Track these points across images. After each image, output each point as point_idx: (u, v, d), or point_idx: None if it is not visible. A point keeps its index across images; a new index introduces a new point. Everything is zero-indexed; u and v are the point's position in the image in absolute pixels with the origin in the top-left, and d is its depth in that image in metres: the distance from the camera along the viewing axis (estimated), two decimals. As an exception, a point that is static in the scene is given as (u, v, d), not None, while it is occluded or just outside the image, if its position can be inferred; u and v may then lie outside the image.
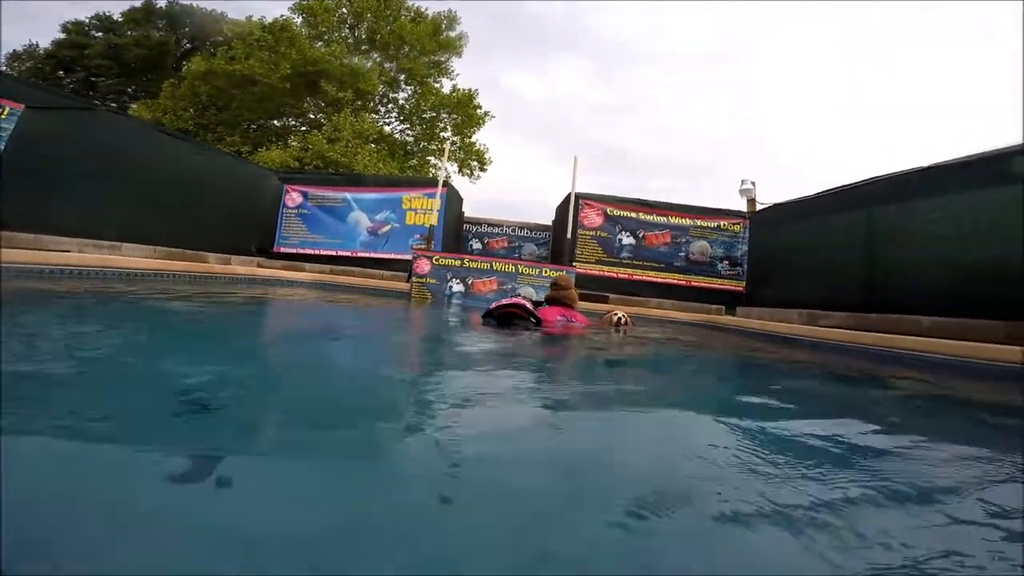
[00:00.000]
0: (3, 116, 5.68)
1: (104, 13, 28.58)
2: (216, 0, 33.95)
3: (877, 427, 1.70)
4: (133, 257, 6.05)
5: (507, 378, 2.07)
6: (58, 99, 6.71)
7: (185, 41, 29.25)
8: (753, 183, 9.85)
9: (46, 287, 3.79)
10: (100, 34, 28.22)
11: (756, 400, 2.26)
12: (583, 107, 75.31)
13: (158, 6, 28.93)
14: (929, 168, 5.55)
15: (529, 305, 4.02)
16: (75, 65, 26.80)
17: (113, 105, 22.60)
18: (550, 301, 4.64)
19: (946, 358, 3.82)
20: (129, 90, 25.70)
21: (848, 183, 6.71)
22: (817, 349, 4.98)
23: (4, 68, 25.48)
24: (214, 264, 7.42)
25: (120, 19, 28.61)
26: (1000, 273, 4.51)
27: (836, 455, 1.32)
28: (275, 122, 19.25)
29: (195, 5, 28.90)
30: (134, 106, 20.45)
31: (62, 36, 27.78)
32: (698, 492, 1.00)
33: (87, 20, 28.51)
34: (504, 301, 4.27)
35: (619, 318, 4.85)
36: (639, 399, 2.03)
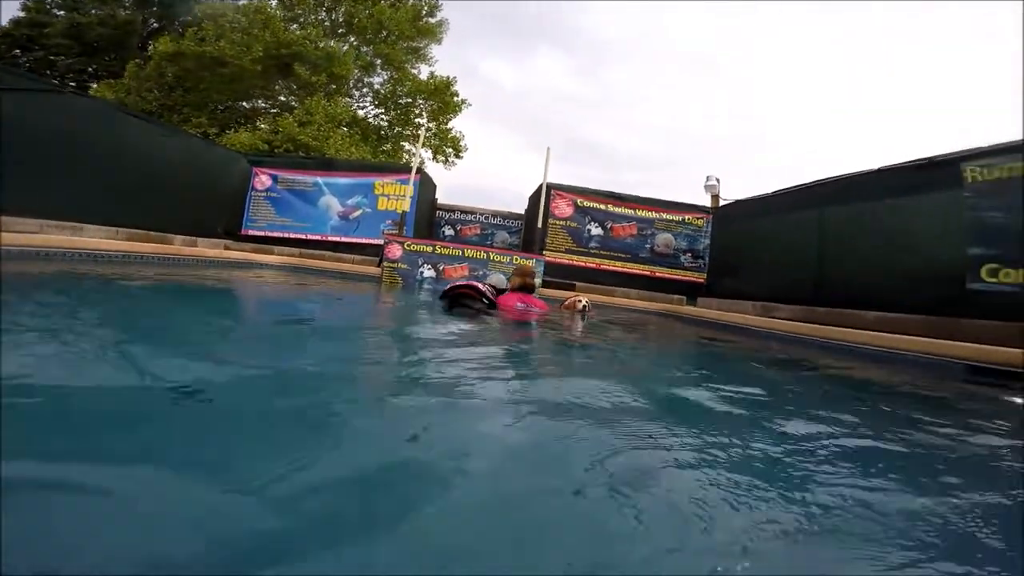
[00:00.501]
0: (-38, 94, 5.51)
1: (67, -9, 27.49)
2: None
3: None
4: (98, 239, 5.99)
5: (474, 358, 2.21)
6: (21, 80, 6.53)
7: (152, 20, 28.32)
8: (718, 179, 10.18)
9: (12, 268, 3.78)
10: (62, 13, 27.15)
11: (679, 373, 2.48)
12: (563, 100, 75.63)
13: (124, -18, 28.02)
14: (879, 171, 5.88)
15: (482, 287, 4.09)
16: (33, 44, 25.71)
17: (72, 85, 21.76)
18: (516, 288, 4.70)
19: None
20: (90, 69, 24.80)
21: (802, 183, 7.03)
22: (757, 336, 5.28)
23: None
24: (180, 246, 7.36)
25: (84, -5, 27.60)
26: (930, 272, 4.88)
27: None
28: (244, 104, 18.85)
29: (163, -17, 28.13)
30: (95, 86, 19.74)
31: (21, 15, 26.68)
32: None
33: (49, -2, 27.40)
34: (458, 282, 4.38)
35: (583, 305, 5.00)
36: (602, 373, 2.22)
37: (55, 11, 27.10)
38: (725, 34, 64.03)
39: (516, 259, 8.36)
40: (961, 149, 4.89)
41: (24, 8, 26.78)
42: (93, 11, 26.64)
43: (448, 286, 4.27)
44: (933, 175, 5.12)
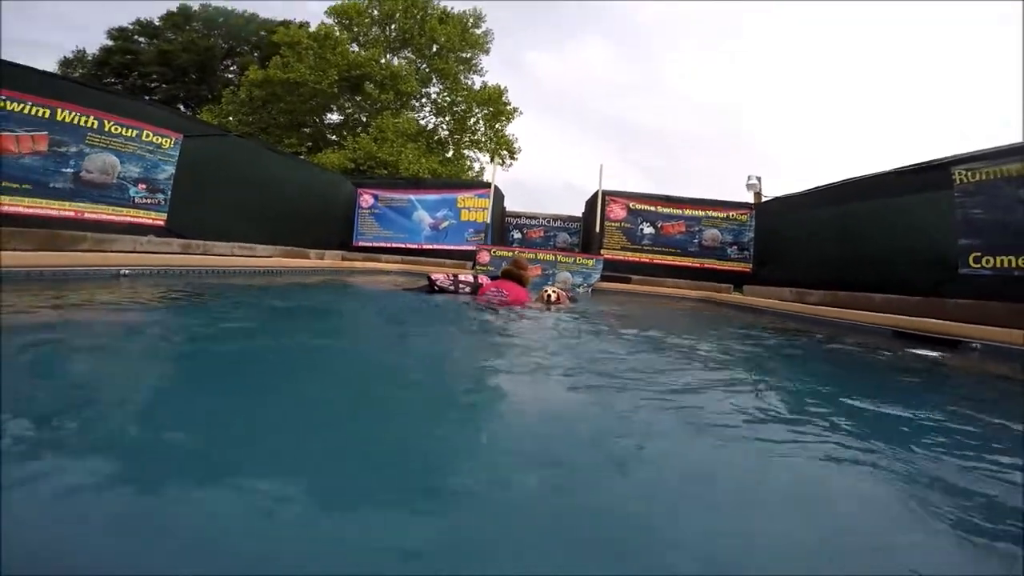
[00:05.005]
0: (171, 145, 7.35)
1: (145, 19, 30.42)
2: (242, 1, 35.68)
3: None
4: (275, 257, 7.90)
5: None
6: (203, 127, 8.48)
7: (221, 42, 30.94)
8: (759, 178, 11.36)
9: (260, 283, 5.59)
10: (143, 40, 30.11)
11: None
12: (612, 88, 76.72)
13: (192, 9, 30.73)
14: (890, 172, 7.05)
15: (434, 277, 4.85)
16: (126, 71, 28.74)
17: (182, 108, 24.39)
18: (503, 275, 5.01)
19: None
20: (180, 95, 27.42)
21: (829, 183, 8.24)
22: (780, 316, 6.59)
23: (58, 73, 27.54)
24: (314, 259, 9.26)
25: (159, 23, 30.44)
26: (929, 259, 6.10)
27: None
28: (316, 119, 20.87)
29: (225, 7, 30.65)
30: (200, 112, 22.17)
31: (110, 43, 29.71)
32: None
33: (130, 26, 30.41)
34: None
35: (548, 295, 5.15)
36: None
37: (136, 38, 30.10)
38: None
39: (579, 259, 9.89)
40: (952, 155, 5.96)
41: (111, 37, 29.83)
42: (171, 36, 29.47)
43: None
44: (932, 177, 6.18)
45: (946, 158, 6.08)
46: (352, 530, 0.83)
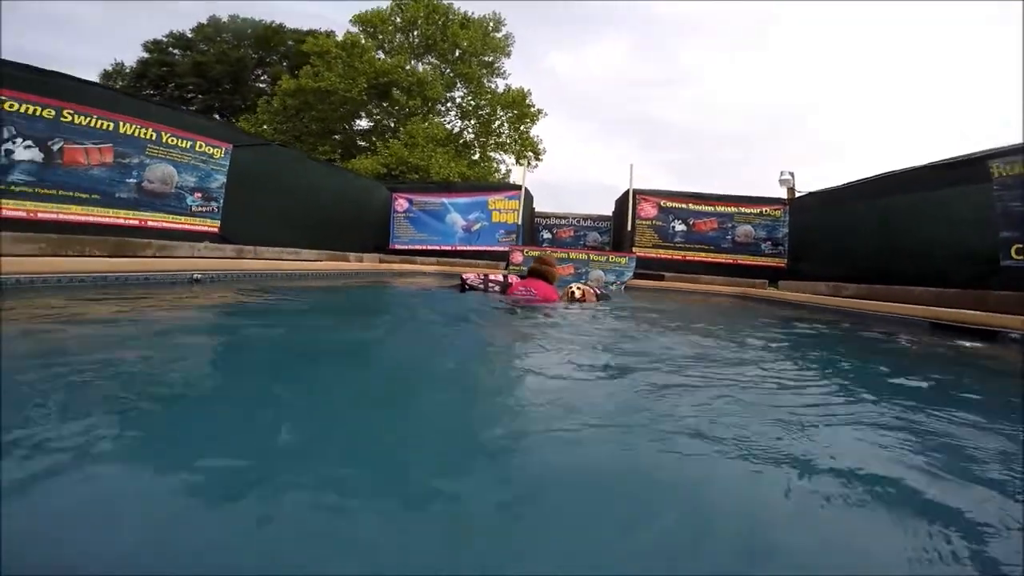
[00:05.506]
0: (222, 155, 7.66)
1: (177, 31, 31.44)
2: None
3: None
4: (322, 261, 8.20)
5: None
6: (248, 137, 8.83)
7: (251, 52, 31.77)
8: (792, 173, 11.27)
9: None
10: (177, 52, 31.13)
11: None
12: (633, 84, 76.48)
13: (222, 20, 31.67)
14: (925, 167, 6.99)
15: (465, 276, 5.06)
16: (163, 82, 29.77)
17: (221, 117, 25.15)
18: (530, 272, 5.05)
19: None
20: (216, 105, 28.25)
21: (866, 176, 8.18)
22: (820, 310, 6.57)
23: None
24: (354, 262, 9.55)
25: (191, 35, 31.40)
26: (966, 252, 6.04)
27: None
28: (354, 128, 21.37)
29: (251, 18, 31.51)
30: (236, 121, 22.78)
31: (146, 55, 30.79)
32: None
33: (164, 38, 31.44)
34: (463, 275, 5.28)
35: (572, 292, 5.07)
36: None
37: (170, 50, 31.10)
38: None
39: (611, 258, 9.98)
40: (989, 148, 5.92)
41: (147, 49, 30.87)
42: (204, 48, 30.40)
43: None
44: (970, 170, 6.11)
45: (983, 152, 6.06)
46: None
